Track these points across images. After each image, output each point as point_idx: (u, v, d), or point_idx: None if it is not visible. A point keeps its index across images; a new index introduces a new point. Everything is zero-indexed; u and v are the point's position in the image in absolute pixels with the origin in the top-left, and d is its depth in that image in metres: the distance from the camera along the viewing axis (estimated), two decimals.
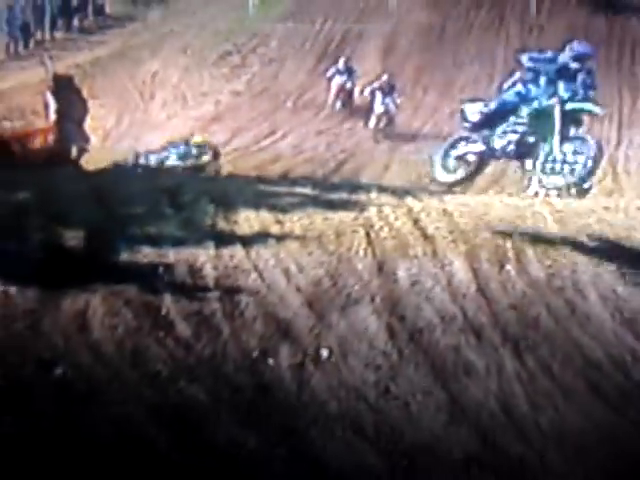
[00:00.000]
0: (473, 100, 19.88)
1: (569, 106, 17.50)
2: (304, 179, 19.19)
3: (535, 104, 18.06)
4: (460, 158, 18.31)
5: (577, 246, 16.12)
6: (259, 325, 13.87)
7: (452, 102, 25.09)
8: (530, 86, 17.69)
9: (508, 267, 15.49)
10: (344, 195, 17.38)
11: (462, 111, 18.28)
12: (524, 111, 18.12)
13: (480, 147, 18.20)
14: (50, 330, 13.25)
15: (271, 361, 13.22)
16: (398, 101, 22.78)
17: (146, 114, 30.69)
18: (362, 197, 17.06)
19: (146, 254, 15.16)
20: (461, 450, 11.85)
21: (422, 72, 25.68)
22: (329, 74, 23.19)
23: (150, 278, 14.55)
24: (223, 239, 15.61)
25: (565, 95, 17.97)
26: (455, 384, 13.09)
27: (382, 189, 18.18)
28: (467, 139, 18.63)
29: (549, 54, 18.37)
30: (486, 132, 18.74)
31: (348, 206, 16.50)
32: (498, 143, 17.93)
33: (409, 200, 17.05)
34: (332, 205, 16.56)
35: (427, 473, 11.44)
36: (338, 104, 23.06)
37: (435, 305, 14.52)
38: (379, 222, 16.09)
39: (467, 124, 18.52)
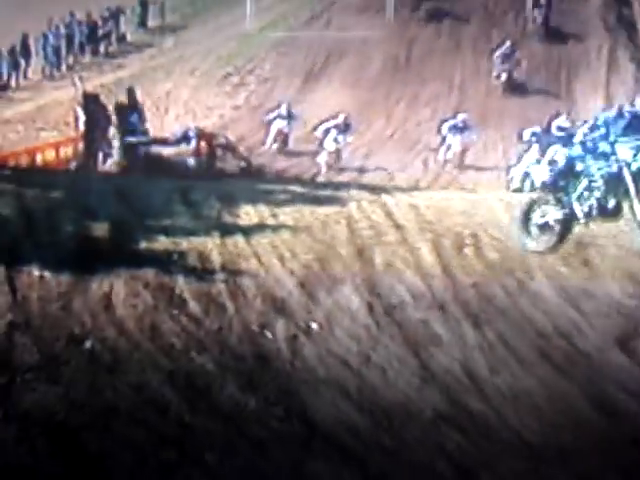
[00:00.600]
0: (538, 160, 18.76)
1: (634, 166, 14.80)
2: (294, 179, 18.95)
3: (603, 164, 14.64)
4: (543, 226, 15.85)
5: None
6: (258, 303, 13.66)
7: (418, 113, 24.74)
8: (597, 141, 15.12)
9: (467, 251, 15.29)
10: (328, 192, 17.25)
11: (528, 174, 15.96)
12: (595, 170, 14.78)
13: (561, 214, 15.53)
14: (80, 309, 13.01)
15: (269, 334, 13.00)
16: (349, 139, 21.74)
17: (162, 126, 30.48)
18: (344, 194, 16.90)
19: (162, 243, 14.94)
20: (431, 409, 11.62)
21: (393, 88, 25.25)
22: (269, 118, 22.43)
23: (165, 263, 14.34)
24: (227, 230, 15.41)
25: (629, 157, 14.43)
26: (425, 352, 12.88)
27: (361, 187, 18.10)
28: (543, 202, 16.00)
29: (616, 111, 15.30)
30: (561, 193, 15.48)
31: (332, 202, 16.36)
32: (579, 208, 15.11)
33: (383, 196, 16.88)
34: (318, 201, 16.44)
35: (402, 428, 11.20)
36: (274, 146, 22.30)
37: (406, 285, 14.32)
38: (358, 215, 15.97)
39: (538, 185, 16.24)
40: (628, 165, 14.19)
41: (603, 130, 14.51)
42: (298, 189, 17.56)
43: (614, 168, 14.21)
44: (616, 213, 14.77)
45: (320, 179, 21.69)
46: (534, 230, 15.14)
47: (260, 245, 15.11)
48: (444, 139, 22.22)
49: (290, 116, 21.92)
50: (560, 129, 20.66)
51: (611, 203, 14.66)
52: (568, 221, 14.87)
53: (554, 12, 27.65)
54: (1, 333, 12.09)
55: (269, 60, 26.83)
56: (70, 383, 11.24)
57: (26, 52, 28.38)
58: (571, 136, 16.99)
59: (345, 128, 21.96)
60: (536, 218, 15.42)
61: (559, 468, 10.51)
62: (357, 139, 23.23)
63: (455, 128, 22.14)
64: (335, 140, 21.46)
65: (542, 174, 14.96)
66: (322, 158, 21.20)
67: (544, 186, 15.14)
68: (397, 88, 25.23)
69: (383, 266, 14.65)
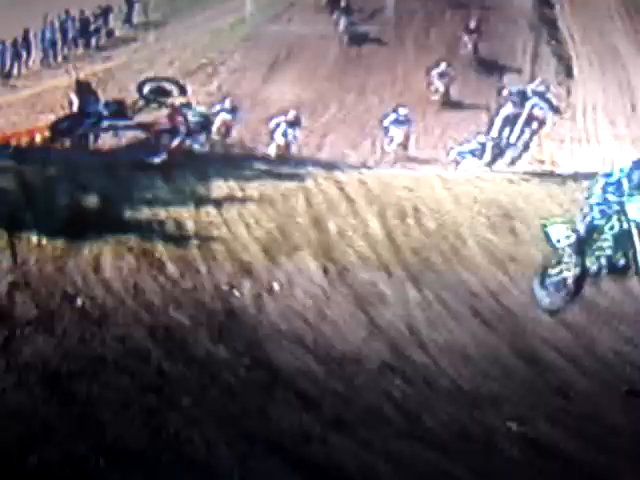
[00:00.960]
0: (553, 222, 17.79)
1: None
2: (259, 157, 18.77)
3: (615, 222, 13.33)
4: (559, 283, 14.47)
5: (458, 204, 15.82)
6: (227, 265, 13.60)
7: (366, 100, 24.53)
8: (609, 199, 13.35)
9: (408, 220, 15.20)
10: (289, 169, 17.06)
11: (547, 234, 14.48)
12: (607, 230, 13.52)
13: (577, 271, 14.08)
14: (72, 271, 12.90)
15: (237, 292, 12.95)
16: (298, 134, 21.21)
17: None
18: (302, 171, 16.72)
19: (144, 213, 14.78)
20: (378, 359, 11.60)
21: (345, 78, 25.05)
22: (215, 110, 21.85)
23: (147, 231, 14.23)
24: (201, 201, 15.24)
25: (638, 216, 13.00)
26: (372, 309, 12.85)
27: (316, 164, 17.93)
28: (561, 262, 14.40)
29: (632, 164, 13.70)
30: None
31: (292, 178, 16.24)
32: (591, 264, 13.58)
33: (336, 172, 16.71)
34: (280, 177, 16.32)
35: (353, 376, 11.12)
36: (217, 138, 21.57)
37: (356, 250, 14.28)
38: (315, 189, 15.86)
39: (558, 245, 14.83)
40: (637, 225, 12.46)
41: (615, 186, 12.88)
42: (263, 166, 17.41)
43: (624, 226, 12.56)
44: (625, 271, 13.13)
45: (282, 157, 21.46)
46: (551, 287, 13.74)
47: (229, 215, 15.00)
48: (387, 131, 21.80)
49: (233, 110, 21.27)
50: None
51: (621, 261, 12.98)
52: (581, 279, 13.47)
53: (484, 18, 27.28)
54: (3, 292, 11.97)
55: (238, 53, 26.50)
56: (63, 335, 11.16)
57: (27, 45, 28.09)
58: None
59: (295, 122, 21.41)
60: (554, 275, 13.83)
61: (489, 411, 10.45)
62: (314, 122, 22.95)
63: (397, 122, 21.70)
64: (284, 134, 20.96)
65: (565, 239, 13.56)
66: (272, 149, 20.80)
67: (564, 249, 13.60)
68: (348, 78, 24.97)
69: (336, 234, 14.57)
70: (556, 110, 18.98)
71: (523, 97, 18.51)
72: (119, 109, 18.31)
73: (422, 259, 14.09)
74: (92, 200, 14.80)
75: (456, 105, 24.16)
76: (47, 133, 18.22)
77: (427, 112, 24.03)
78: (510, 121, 18.35)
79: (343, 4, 27.56)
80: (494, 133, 18.62)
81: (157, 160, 16.55)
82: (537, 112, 18.35)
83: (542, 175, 17.90)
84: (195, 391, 10.36)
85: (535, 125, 18.17)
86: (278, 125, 21.11)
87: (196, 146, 18.29)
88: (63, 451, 8.66)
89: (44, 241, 13.41)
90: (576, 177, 17.18)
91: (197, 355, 11.30)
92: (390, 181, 16.58)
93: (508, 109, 18.49)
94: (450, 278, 13.63)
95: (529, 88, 18.89)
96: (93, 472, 8.43)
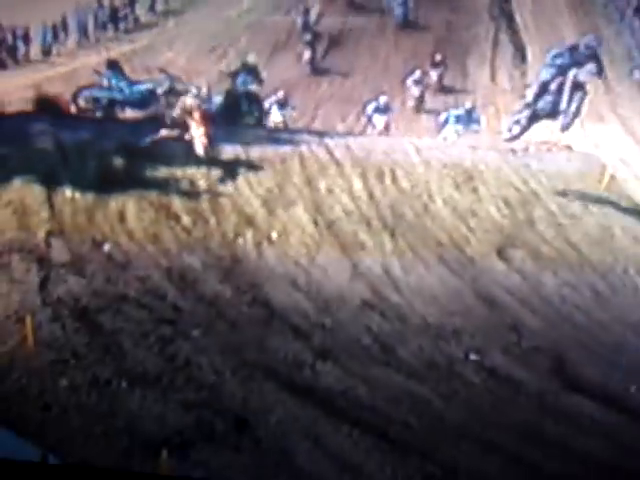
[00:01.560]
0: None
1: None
2: (261, 127, 18.45)
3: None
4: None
5: (429, 168, 15.54)
6: (233, 217, 13.29)
7: (353, 79, 24.16)
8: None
9: (386, 181, 14.93)
10: (286, 136, 16.71)
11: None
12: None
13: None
14: (101, 221, 12.65)
15: (241, 240, 12.66)
16: (293, 114, 20.59)
17: None
18: (297, 138, 16.38)
19: (163, 172, 14.40)
20: (359, 298, 11.43)
21: (335, 60, 24.66)
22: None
23: (165, 187, 13.88)
24: (211, 163, 14.87)
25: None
26: (355, 255, 12.64)
27: (310, 133, 17.60)
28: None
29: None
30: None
31: (289, 143, 15.86)
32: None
33: (327, 140, 16.36)
34: (279, 143, 15.95)
35: (338, 312, 11.00)
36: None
37: (342, 205, 13.98)
38: (308, 154, 15.46)
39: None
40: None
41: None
42: (263, 133, 17.07)
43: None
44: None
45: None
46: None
47: (235, 174, 14.67)
48: (370, 119, 21.14)
49: (210, 98, 20.41)
50: None
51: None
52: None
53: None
54: (41, 238, 11.74)
55: (244, 37, 26.06)
56: (92, 276, 10.96)
57: (64, 27, 27.66)
58: None
59: (284, 102, 20.77)
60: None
61: (453, 344, 10.33)
62: (309, 97, 22.60)
63: (378, 109, 21.03)
64: (280, 112, 20.42)
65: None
66: (270, 124, 20.26)
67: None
68: (338, 60, 24.57)
69: (325, 192, 14.27)
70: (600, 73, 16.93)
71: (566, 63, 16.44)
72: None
73: (397, 214, 13.84)
74: (118, 161, 14.54)
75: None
76: (81, 102, 17.85)
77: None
78: (549, 88, 16.47)
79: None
80: (529, 99, 16.77)
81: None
82: (581, 77, 16.38)
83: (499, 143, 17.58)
84: (204, 324, 10.24)
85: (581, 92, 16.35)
86: (270, 106, 20.49)
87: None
88: (90, 375, 8.54)
89: (77, 195, 13.17)
90: (527, 145, 16.95)
91: (206, 293, 11.13)
92: (372, 148, 16.27)
93: (546, 75, 16.49)
94: (421, 231, 13.39)
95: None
96: (116, 393, 8.30)
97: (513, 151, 16.55)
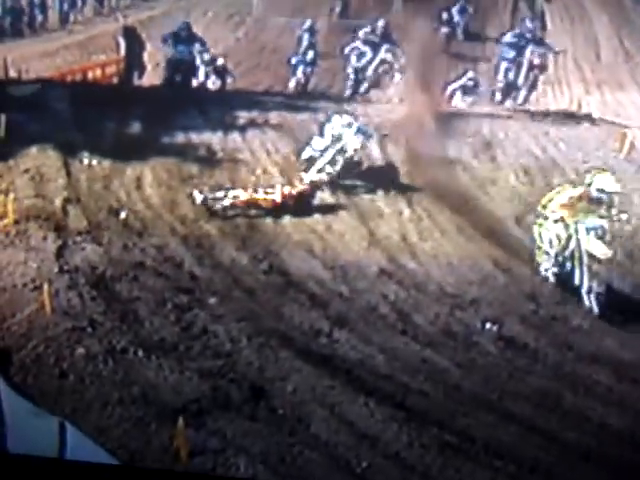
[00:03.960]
0: None
1: None
2: (277, 93, 18.25)
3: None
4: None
5: (447, 135, 15.29)
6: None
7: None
8: None
9: (403, 149, 14.68)
10: (304, 103, 16.52)
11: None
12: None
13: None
14: (117, 189, 12.63)
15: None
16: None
17: None
18: (314, 104, 16.19)
19: (179, 138, 14.37)
20: (376, 265, 11.29)
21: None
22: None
23: (182, 154, 13.82)
24: (228, 129, 14.80)
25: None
26: (372, 222, 12.53)
27: (328, 98, 17.41)
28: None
29: None
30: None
31: (306, 110, 15.72)
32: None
33: (345, 105, 16.18)
34: (296, 109, 15.81)
35: (355, 280, 10.88)
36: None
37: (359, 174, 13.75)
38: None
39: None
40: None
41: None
42: (281, 100, 16.89)
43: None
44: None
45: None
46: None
47: (252, 141, 14.59)
48: None
49: (313, 62, 20.16)
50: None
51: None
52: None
53: None
54: (58, 206, 11.70)
55: (261, 5, 25.78)
56: (109, 244, 10.93)
57: None
58: None
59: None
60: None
61: (470, 312, 10.22)
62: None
63: None
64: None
65: None
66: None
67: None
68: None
69: None
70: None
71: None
72: None
73: (414, 182, 13.68)
74: (135, 127, 14.44)
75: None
76: (98, 70, 17.78)
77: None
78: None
79: None
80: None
81: None
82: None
83: (519, 112, 17.30)
84: (221, 292, 10.17)
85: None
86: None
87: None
88: (107, 343, 8.49)
89: (94, 162, 13.12)
90: (547, 114, 16.72)
91: (223, 261, 11.06)
92: (389, 116, 16.08)
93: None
94: (438, 199, 13.22)
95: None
96: (132, 362, 8.25)
97: (532, 115, 16.38)
